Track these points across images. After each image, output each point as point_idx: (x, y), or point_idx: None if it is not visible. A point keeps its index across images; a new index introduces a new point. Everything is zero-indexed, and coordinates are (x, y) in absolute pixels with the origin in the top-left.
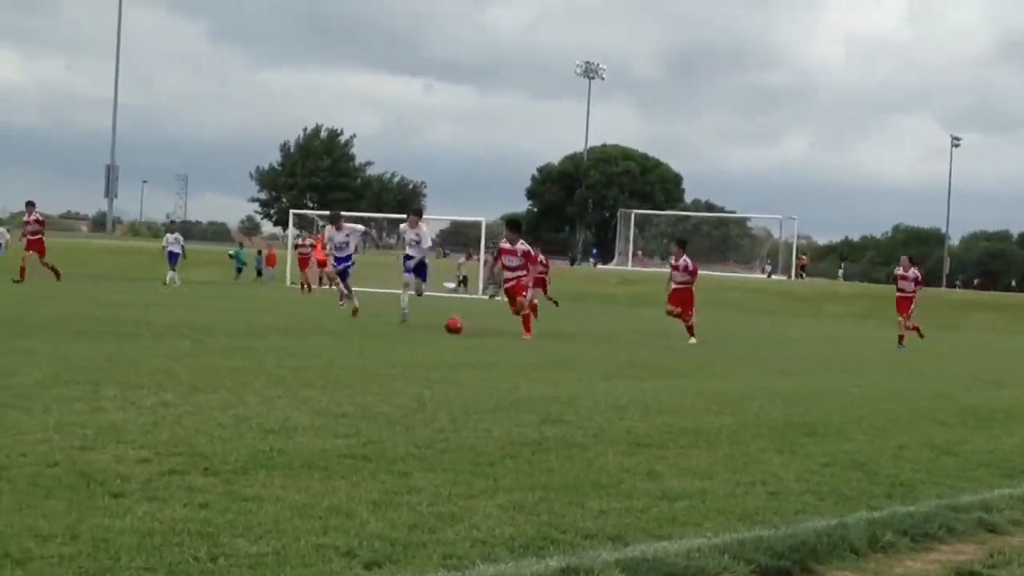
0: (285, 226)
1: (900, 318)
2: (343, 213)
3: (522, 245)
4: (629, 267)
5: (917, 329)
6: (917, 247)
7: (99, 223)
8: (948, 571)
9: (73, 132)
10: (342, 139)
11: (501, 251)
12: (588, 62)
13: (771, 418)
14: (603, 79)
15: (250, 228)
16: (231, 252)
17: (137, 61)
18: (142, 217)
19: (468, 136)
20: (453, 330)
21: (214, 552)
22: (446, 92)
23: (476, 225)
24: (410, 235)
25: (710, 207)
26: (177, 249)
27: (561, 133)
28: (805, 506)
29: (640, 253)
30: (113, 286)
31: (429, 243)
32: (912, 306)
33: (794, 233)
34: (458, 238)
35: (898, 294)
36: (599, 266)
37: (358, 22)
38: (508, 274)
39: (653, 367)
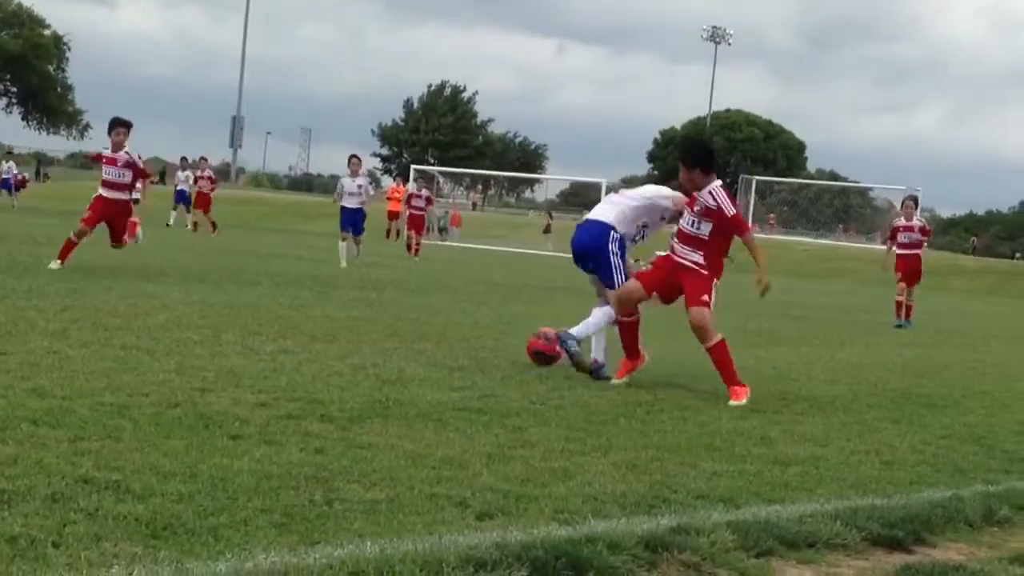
0: (405, 181)
1: (904, 285)
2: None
3: (126, 154)
4: None
5: (909, 308)
6: None
7: (223, 173)
8: None
9: (205, 84)
10: (465, 96)
11: (101, 159)
12: (715, 27)
13: (889, 388)
14: (729, 44)
15: (371, 183)
16: None
17: (276, 15)
18: (265, 168)
19: (596, 98)
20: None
21: (329, 496)
22: (579, 54)
23: (596, 187)
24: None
25: (834, 176)
26: (187, 188)
27: (688, 97)
28: (920, 477)
29: (772, 219)
30: (235, 235)
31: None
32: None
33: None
34: (577, 199)
35: (900, 251)
36: None
37: None
38: (105, 193)
39: (770, 335)
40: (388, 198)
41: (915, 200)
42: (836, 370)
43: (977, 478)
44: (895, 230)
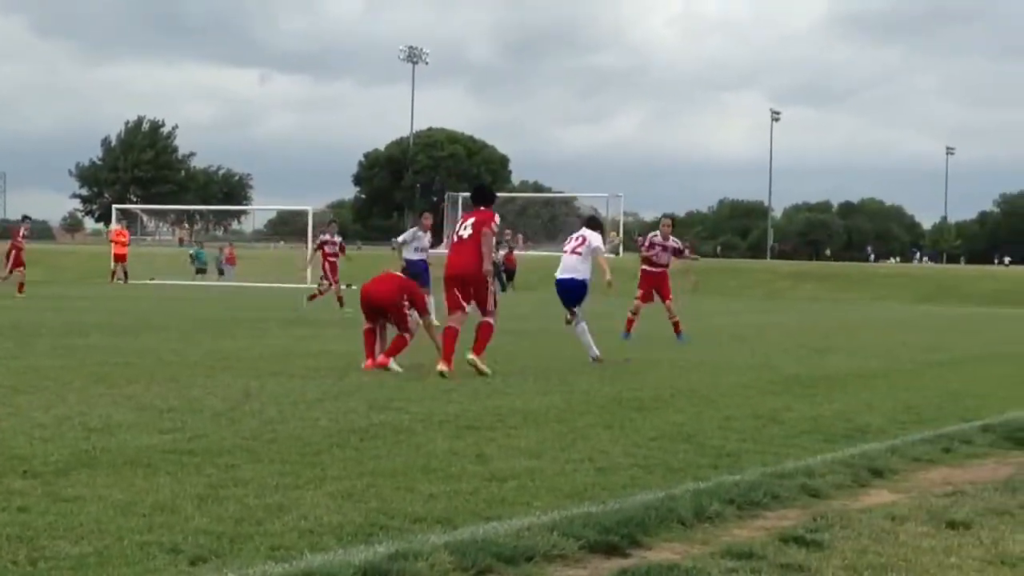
0: (108, 222)
1: (640, 303)
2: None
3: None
4: None
5: (676, 324)
6: (742, 220)
7: None
8: (773, 537)
9: None
10: (164, 131)
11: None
12: (411, 47)
13: (600, 394)
14: (427, 64)
15: (72, 225)
16: (191, 252)
17: None
18: None
19: (300, 126)
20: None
21: (34, 556)
22: (281, 82)
23: (303, 214)
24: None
25: (538, 188)
26: None
27: (392, 119)
28: (633, 480)
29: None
30: None
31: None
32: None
33: (620, 210)
34: (286, 228)
35: (645, 267)
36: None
37: (192, 14)
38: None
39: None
40: (112, 241)
41: (672, 219)
42: (549, 380)
43: (688, 476)
44: (645, 246)
